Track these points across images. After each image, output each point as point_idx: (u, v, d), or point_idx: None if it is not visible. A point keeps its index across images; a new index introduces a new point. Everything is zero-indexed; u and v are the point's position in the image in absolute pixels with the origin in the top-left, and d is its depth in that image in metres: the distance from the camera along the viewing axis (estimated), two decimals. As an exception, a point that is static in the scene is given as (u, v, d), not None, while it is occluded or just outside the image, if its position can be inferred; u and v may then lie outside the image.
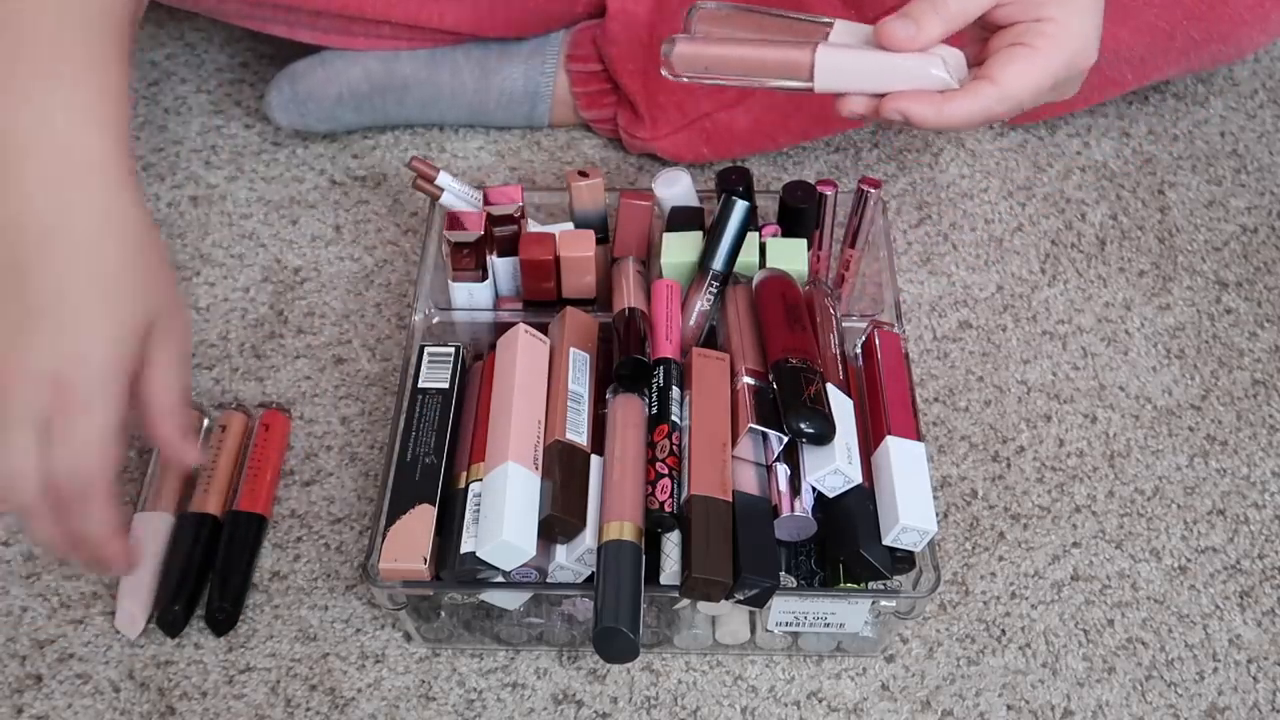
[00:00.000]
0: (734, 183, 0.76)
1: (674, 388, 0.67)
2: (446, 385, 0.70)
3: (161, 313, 0.55)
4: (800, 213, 0.75)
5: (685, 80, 0.66)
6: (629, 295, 0.71)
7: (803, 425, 0.63)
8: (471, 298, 0.75)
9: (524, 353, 0.68)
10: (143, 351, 0.55)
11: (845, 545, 0.63)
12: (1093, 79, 0.90)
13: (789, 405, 0.63)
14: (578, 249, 0.74)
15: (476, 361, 0.73)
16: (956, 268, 0.88)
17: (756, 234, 0.74)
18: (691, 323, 0.72)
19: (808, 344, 0.67)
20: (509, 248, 0.75)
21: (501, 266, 0.75)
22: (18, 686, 0.68)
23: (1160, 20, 0.85)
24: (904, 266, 0.88)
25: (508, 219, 0.74)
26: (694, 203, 0.77)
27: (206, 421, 0.78)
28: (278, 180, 0.93)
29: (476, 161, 0.95)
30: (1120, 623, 0.72)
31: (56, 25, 0.54)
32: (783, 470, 0.64)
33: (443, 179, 0.75)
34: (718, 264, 0.71)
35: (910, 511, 0.62)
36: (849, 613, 0.64)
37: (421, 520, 0.64)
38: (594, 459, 0.65)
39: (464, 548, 0.62)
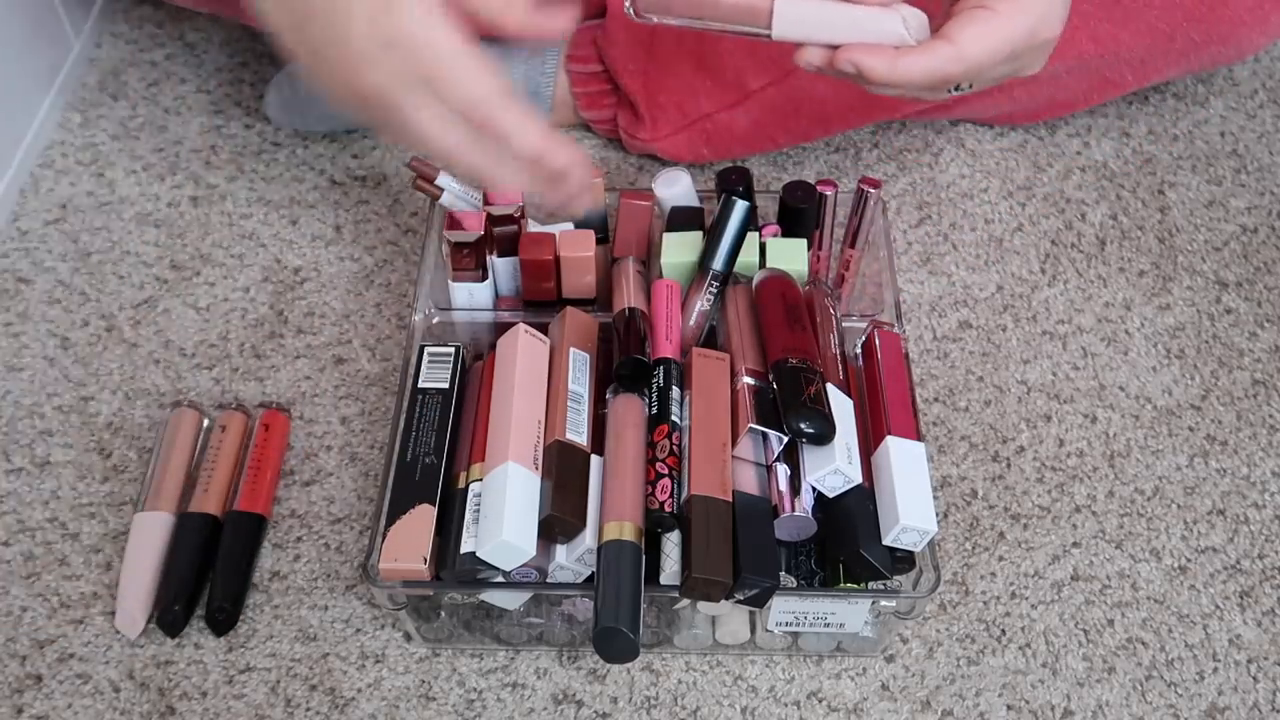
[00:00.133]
0: (734, 183, 0.76)
1: (674, 388, 0.67)
2: (446, 385, 0.70)
3: None
4: (800, 213, 0.75)
5: (652, 22, 0.64)
6: (629, 295, 0.71)
7: (803, 425, 0.63)
8: (471, 298, 0.75)
9: (524, 353, 0.68)
10: None
11: (845, 545, 0.63)
12: (1093, 80, 0.90)
13: (789, 405, 0.63)
14: (578, 249, 0.74)
15: (476, 361, 0.73)
16: (956, 268, 0.88)
17: (756, 234, 0.74)
18: (691, 323, 0.72)
19: (808, 344, 0.67)
20: (509, 248, 0.75)
21: (501, 266, 0.75)
22: (18, 686, 0.68)
23: (1160, 22, 0.85)
24: (904, 266, 0.88)
25: (508, 219, 0.74)
26: (694, 203, 0.77)
27: (206, 421, 0.78)
28: (278, 180, 0.93)
29: (476, 161, 0.95)
30: (1120, 623, 0.72)
31: None
32: (783, 470, 0.64)
33: (443, 179, 0.75)
34: (718, 264, 0.71)
35: (910, 511, 0.62)
36: (849, 613, 0.64)
37: (421, 520, 0.64)
38: (594, 459, 0.65)
39: (464, 548, 0.62)
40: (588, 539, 0.63)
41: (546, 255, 0.73)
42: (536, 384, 0.68)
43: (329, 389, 0.81)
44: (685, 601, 0.65)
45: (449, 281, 0.75)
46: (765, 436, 0.65)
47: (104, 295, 0.86)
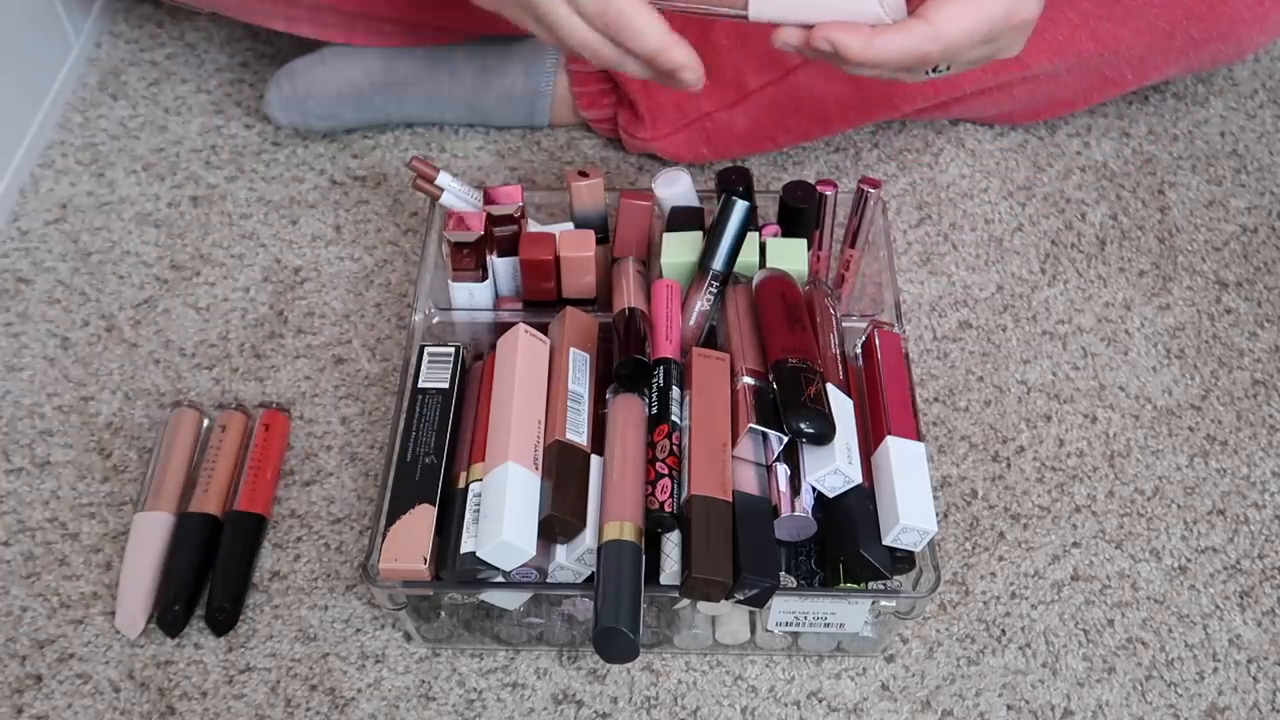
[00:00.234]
0: (734, 183, 0.76)
1: (674, 388, 0.67)
2: (446, 385, 0.70)
3: None
4: (800, 213, 0.75)
5: None
6: (629, 295, 0.71)
7: (803, 425, 0.63)
8: (471, 298, 0.75)
9: (524, 353, 0.68)
10: None
11: (845, 545, 0.63)
12: (1093, 78, 0.90)
13: (789, 405, 0.63)
14: (578, 249, 0.74)
15: (476, 361, 0.73)
16: (956, 268, 0.88)
17: (756, 234, 0.74)
18: (691, 323, 0.72)
19: (808, 344, 0.67)
20: (509, 248, 0.75)
21: (501, 266, 0.75)
22: (18, 686, 0.68)
23: (1160, 20, 0.85)
24: (904, 266, 0.88)
25: (508, 219, 0.74)
26: (694, 203, 0.77)
27: (206, 421, 0.78)
28: (278, 180, 0.93)
29: (476, 161, 0.95)
30: (1120, 623, 0.72)
31: None
32: (783, 470, 0.64)
33: (443, 179, 0.75)
34: (718, 264, 0.71)
35: (910, 511, 0.62)
36: (849, 613, 0.64)
37: (421, 520, 0.64)
38: (594, 459, 0.65)
39: (464, 548, 0.62)
40: (588, 539, 0.63)
41: (546, 255, 0.73)
42: (536, 384, 0.68)
43: (329, 389, 0.81)
44: (685, 601, 0.65)
45: (449, 281, 0.75)
46: (765, 436, 0.65)
47: (104, 295, 0.86)
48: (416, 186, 0.75)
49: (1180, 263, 0.89)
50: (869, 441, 0.67)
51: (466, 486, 0.65)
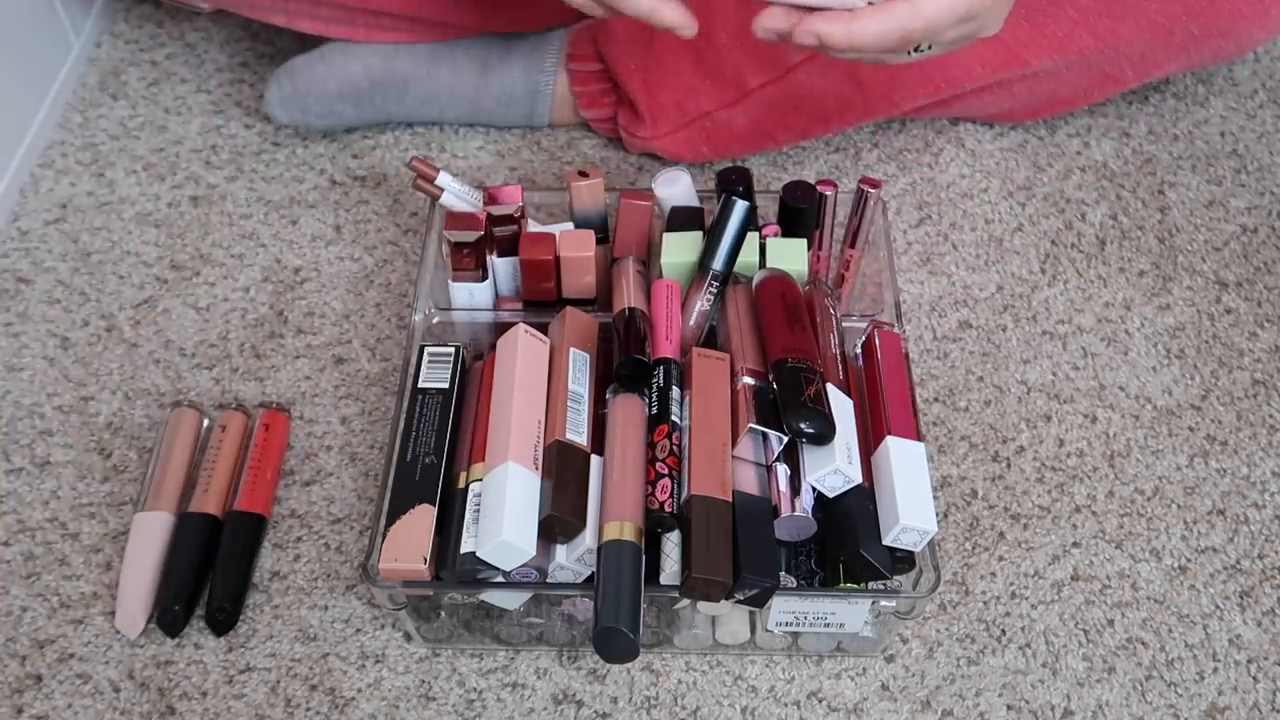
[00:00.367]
0: (734, 183, 0.75)
1: (674, 388, 0.67)
2: (446, 385, 0.70)
3: None
4: (800, 213, 0.75)
5: None
6: (629, 295, 0.71)
7: (803, 425, 0.63)
8: (471, 298, 0.75)
9: (524, 353, 0.68)
10: None
11: (845, 545, 0.63)
12: (1093, 76, 0.90)
13: (789, 405, 0.63)
14: (578, 249, 0.74)
15: (476, 361, 0.73)
16: (956, 268, 0.88)
17: (756, 234, 0.74)
18: (691, 323, 0.72)
19: (808, 344, 0.67)
20: (509, 248, 0.75)
21: (501, 266, 0.75)
22: (18, 686, 0.68)
23: (1160, 16, 0.85)
24: (904, 266, 0.88)
25: (508, 219, 0.74)
26: (694, 203, 0.77)
27: (206, 421, 0.78)
28: (278, 180, 0.93)
29: (476, 161, 0.95)
30: (1120, 623, 0.72)
31: None
32: (783, 470, 0.64)
33: (443, 179, 0.75)
34: (718, 264, 0.71)
35: (910, 511, 0.62)
36: (849, 613, 0.64)
37: (421, 520, 0.64)
38: (594, 459, 0.65)
39: (464, 548, 0.62)
40: (588, 539, 0.63)
41: (546, 255, 0.73)
42: (536, 384, 0.68)
43: (329, 389, 0.81)
44: (685, 601, 0.65)
45: (449, 281, 0.75)
46: (765, 436, 0.65)
47: (104, 295, 0.86)
48: (416, 186, 0.75)
49: (1180, 263, 0.89)
50: (869, 441, 0.67)
51: (466, 486, 0.65)
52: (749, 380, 0.66)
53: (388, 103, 0.93)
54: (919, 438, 0.66)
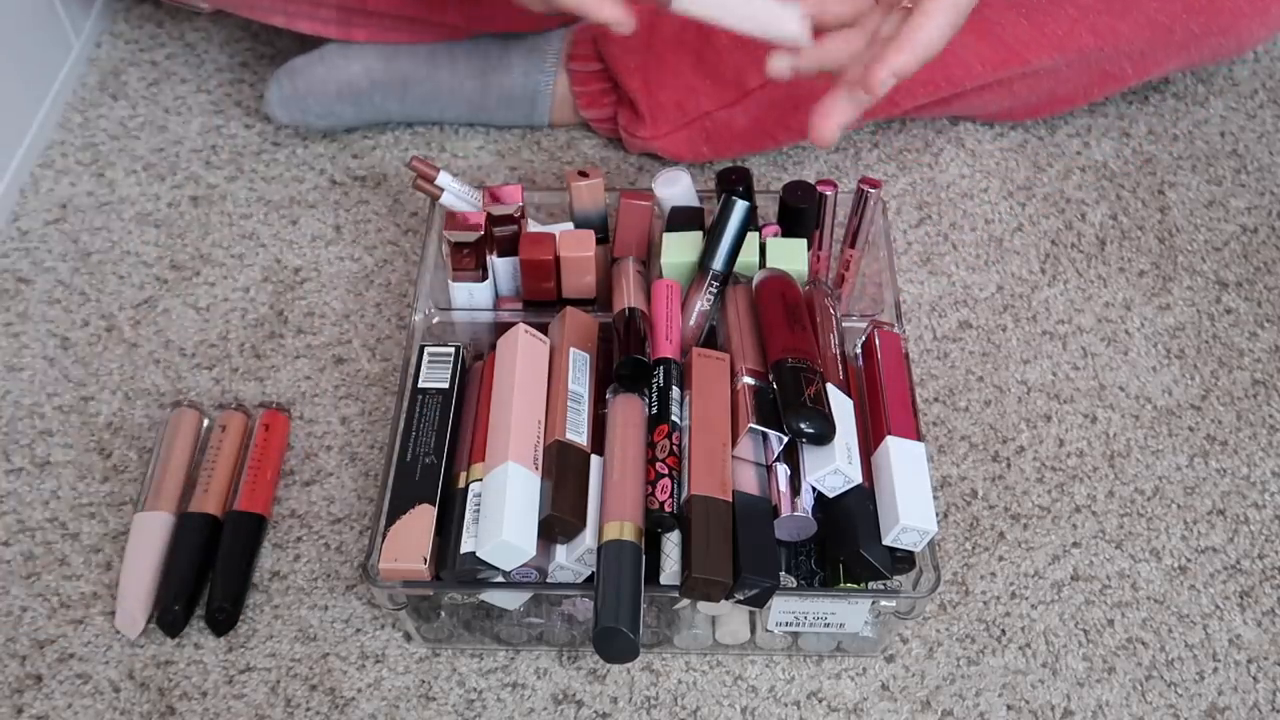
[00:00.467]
0: (734, 183, 0.76)
1: (674, 388, 0.67)
2: (446, 385, 0.70)
3: None
4: (800, 213, 0.75)
5: None
6: (629, 295, 0.71)
7: (803, 425, 0.63)
8: (471, 298, 0.75)
9: (524, 353, 0.68)
10: None
11: (845, 545, 0.63)
12: (1093, 74, 0.90)
13: (789, 405, 0.63)
14: (578, 249, 0.74)
15: (476, 361, 0.73)
16: (956, 268, 0.88)
17: (756, 234, 0.74)
18: (691, 323, 0.72)
19: (808, 344, 0.67)
20: (509, 248, 0.75)
21: (501, 266, 0.75)
22: (18, 686, 0.68)
23: (1160, 14, 0.85)
24: (904, 266, 0.88)
25: (508, 219, 0.74)
26: (694, 203, 0.77)
27: (206, 422, 0.78)
28: (278, 180, 0.93)
29: (476, 161, 0.95)
30: (1120, 623, 0.72)
31: None
32: (783, 470, 0.64)
33: (443, 179, 0.75)
34: (718, 264, 0.71)
35: (910, 511, 0.62)
36: (849, 613, 0.64)
37: (421, 520, 0.64)
38: (594, 459, 0.65)
39: (464, 548, 0.62)
40: (588, 539, 0.63)
41: (546, 255, 0.73)
42: (536, 384, 0.68)
43: (329, 389, 0.81)
44: (685, 601, 0.65)
45: (449, 281, 0.75)
46: (765, 436, 0.65)
47: (104, 295, 0.86)
48: (416, 186, 0.75)
49: (1180, 263, 0.89)
50: (869, 441, 0.67)
51: (466, 486, 0.65)
52: (749, 380, 0.66)
53: (388, 103, 0.93)
54: (919, 438, 0.66)
